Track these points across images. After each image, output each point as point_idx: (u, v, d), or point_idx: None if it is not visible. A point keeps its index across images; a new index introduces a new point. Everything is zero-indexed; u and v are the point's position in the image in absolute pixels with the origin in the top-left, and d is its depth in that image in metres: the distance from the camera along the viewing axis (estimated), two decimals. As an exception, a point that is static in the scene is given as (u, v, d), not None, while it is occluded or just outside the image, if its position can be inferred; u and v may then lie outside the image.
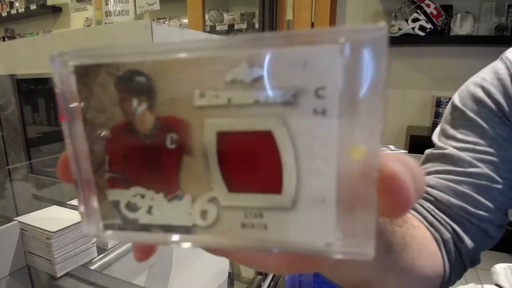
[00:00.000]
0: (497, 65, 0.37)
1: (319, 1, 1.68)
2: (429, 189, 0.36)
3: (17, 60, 0.86)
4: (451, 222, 0.34)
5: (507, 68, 0.36)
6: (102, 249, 0.61)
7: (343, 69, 0.11)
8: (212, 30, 2.41)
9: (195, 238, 0.14)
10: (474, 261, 0.36)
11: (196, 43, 0.12)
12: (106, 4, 0.84)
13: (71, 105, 0.14)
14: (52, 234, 0.52)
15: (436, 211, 0.35)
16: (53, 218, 0.57)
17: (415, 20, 1.79)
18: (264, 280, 0.87)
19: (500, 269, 0.65)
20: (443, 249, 0.33)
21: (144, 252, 0.17)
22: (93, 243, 0.58)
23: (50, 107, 0.99)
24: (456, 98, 0.40)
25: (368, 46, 0.11)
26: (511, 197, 0.35)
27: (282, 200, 0.13)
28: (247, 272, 1.06)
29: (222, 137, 0.13)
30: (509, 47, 0.39)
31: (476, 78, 0.39)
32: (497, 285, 0.64)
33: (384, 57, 0.11)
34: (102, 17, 0.85)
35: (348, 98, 0.11)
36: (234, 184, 0.13)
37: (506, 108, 0.35)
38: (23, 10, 3.05)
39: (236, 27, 2.41)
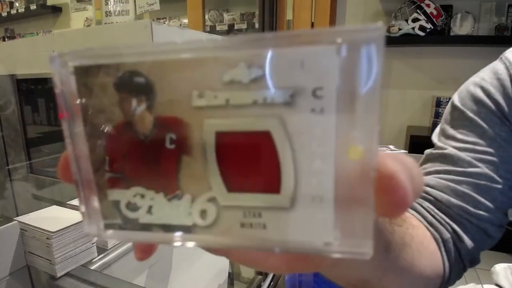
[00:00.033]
0: (497, 65, 0.37)
1: (319, 1, 1.68)
2: (428, 189, 0.36)
3: (17, 60, 0.86)
4: (450, 222, 0.34)
5: (507, 68, 0.36)
6: (102, 249, 0.61)
7: (340, 69, 0.11)
8: (212, 30, 2.41)
9: (195, 238, 0.14)
10: (473, 261, 0.36)
11: (194, 44, 0.13)
12: (106, 4, 0.84)
13: (71, 106, 0.14)
14: (52, 234, 0.52)
15: (436, 211, 0.35)
16: (53, 218, 0.57)
17: (415, 20, 1.79)
18: (264, 280, 0.88)
19: (500, 269, 0.65)
20: (442, 249, 0.34)
21: (144, 251, 0.17)
22: (93, 243, 0.59)
23: (50, 107, 0.99)
24: (455, 98, 0.40)
25: (365, 46, 0.11)
26: (511, 197, 0.35)
27: (281, 200, 0.13)
28: (247, 272, 1.06)
29: (221, 137, 0.13)
30: (509, 47, 0.39)
31: (476, 78, 0.39)
32: (497, 285, 0.64)
33: (381, 57, 0.11)
34: (102, 17, 0.85)
35: (345, 98, 0.11)
36: (233, 184, 0.13)
37: (506, 108, 0.35)
38: (23, 10, 3.05)
39: (236, 27, 2.41)
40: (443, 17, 1.79)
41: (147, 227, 0.14)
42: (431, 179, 0.37)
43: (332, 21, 1.85)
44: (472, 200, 0.34)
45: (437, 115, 1.86)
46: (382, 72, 0.11)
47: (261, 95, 0.12)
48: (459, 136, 0.37)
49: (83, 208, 0.15)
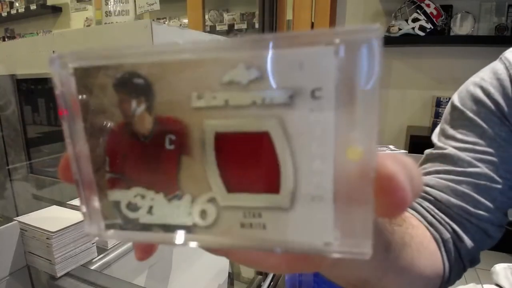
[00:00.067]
0: (497, 66, 0.37)
1: (319, 1, 1.68)
2: (428, 189, 0.36)
3: (17, 60, 0.86)
4: (450, 222, 0.35)
5: (506, 68, 0.36)
6: (102, 249, 0.61)
7: (339, 70, 0.11)
8: (212, 30, 2.41)
9: (195, 238, 0.14)
10: (473, 261, 0.36)
11: (193, 45, 0.13)
12: (106, 4, 0.84)
13: (71, 107, 0.14)
14: (52, 234, 0.52)
15: (436, 210, 0.35)
16: (53, 218, 0.57)
17: (415, 20, 1.79)
18: (264, 280, 0.88)
19: (500, 269, 0.65)
20: (442, 249, 0.34)
21: (145, 251, 0.17)
22: (93, 243, 0.59)
23: (50, 107, 0.99)
24: (455, 98, 0.40)
25: (363, 46, 0.11)
26: (511, 197, 0.35)
27: (280, 200, 0.13)
28: (247, 272, 1.06)
29: (220, 137, 0.13)
30: (509, 47, 0.39)
31: (476, 78, 0.39)
32: (497, 285, 0.64)
33: (379, 57, 0.11)
34: (102, 17, 0.85)
35: (344, 99, 0.11)
36: (233, 184, 0.13)
37: (505, 108, 0.35)
38: (23, 10, 3.05)
39: (236, 27, 2.41)
40: (443, 17, 1.79)
41: (147, 227, 0.15)
42: (431, 179, 0.37)
43: (332, 21, 1.85)
44: (472, 200, 0.34)
45: (437, 115, 1.86)
46: (381, 72, 0.11)
47: (260, 96, 0.12)
48: (459, 136, 0.37)
49: (84, 208, 0.15)
